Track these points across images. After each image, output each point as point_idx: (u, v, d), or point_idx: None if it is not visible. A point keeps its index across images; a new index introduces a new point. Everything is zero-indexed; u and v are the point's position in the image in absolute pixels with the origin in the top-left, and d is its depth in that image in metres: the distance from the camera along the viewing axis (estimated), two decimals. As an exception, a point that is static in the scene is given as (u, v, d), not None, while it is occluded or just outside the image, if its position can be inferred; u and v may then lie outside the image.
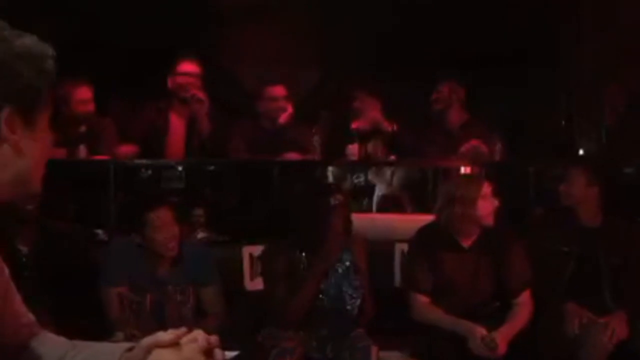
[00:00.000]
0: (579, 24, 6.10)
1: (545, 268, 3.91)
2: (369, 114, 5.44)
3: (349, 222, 3.68)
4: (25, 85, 1.27)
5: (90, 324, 3.19)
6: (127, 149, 5.10)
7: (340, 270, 3.70)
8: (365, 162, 5.29)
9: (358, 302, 3.67)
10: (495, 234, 3.84)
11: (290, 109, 5.42)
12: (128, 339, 2.36)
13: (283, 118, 5.38)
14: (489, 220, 3.79)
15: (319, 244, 3.62)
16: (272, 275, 3.68)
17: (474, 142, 5.12)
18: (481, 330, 3.60)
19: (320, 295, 3.65)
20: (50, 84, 1.32)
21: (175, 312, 2.57)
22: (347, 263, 3.71)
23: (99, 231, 4.58)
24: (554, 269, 3.94)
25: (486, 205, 3.78)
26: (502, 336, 3.60)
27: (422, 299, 3.80)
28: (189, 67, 5.24)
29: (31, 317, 1.54)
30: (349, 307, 3.66)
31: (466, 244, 3.84)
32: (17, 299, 1.50)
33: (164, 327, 1.55)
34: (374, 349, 3.60)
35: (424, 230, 3.95)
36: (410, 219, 4.65)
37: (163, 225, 3.54)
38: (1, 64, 1.24)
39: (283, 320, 3.61)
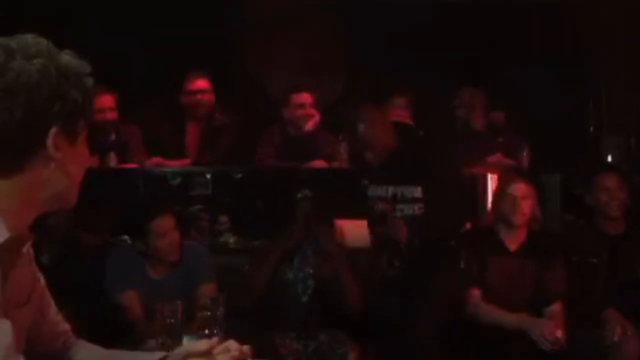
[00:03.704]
0: (611, 32, 6.06)
1: (577, 279, 3.89)
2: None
3: (317, 216, 4.00)
4: (71, 104, 1.28)
5: (117, 335, 3.25)
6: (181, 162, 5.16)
7: (301, 260, 3.97)
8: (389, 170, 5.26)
9: (310, 290, 3.92)
10: (541, 240, 3.86)
11: (317, 116, 5.43)
12: (160, 347, 2.39)
13: (310, 125, 5.39)
14: (529, 222, 3.81)
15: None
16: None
17: (498, 156, 5.09)
18: (546, 324, 3.60)
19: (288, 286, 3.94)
20: (91, 101, 1.33)
21: (204, 319, 2.61)
22: (307, 251, 3.98)
23: (126, 237, 4.62)
24: (586, 280, 3.92)
25: (524, 206, 3.79)
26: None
27: (477, 294, 3.78)
28: (198, 83, 5.31)
29: (66, 325, 1.57)
30: (300, 292, 3.92)
31: (512, 247, 3.85)
32: (53, 307, 1.53)
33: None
34: (352, 355, 3.68)
35: (475, 232, 4.01)
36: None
37: (165, 232, 3.67)
38: (50, 85, 1.25)
39: (245, 300, 3.79)
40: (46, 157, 1.28)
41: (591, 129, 6.28)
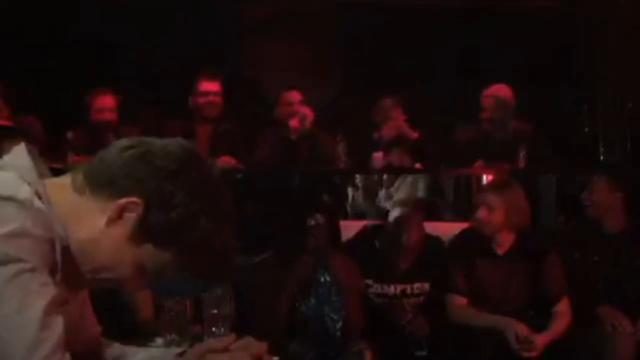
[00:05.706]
0: (605, 35, 6.10)
1: (578, 278, 3.91)
2: (392, 122, 5.46)
3: (329, 240, 3.82)
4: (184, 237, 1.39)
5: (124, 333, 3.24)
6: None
7: (320, 291, 3.79)
8: (390, 171, 5.28)
9: (340, 324, 3.76)
10: (531, 242, 3.86)
11: (310, 114, 5.38)
12: (168, 344, 2.40)
13: (305, 123, 5.37)
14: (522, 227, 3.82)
15: (295, 261, 3.80)
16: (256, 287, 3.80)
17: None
18: (521, 328, 3.60)
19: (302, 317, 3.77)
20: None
21: (213, 317, 2.61)
22: (323, 281, 3.78)
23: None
24: (586, 279, 3.95)
25: (487, 217, 3.79)
26: (541, 339, 3.61)
27: (459, 301, 3.82)
28: (209, 85, 5.30)
29: (99, 327, 1.59)
30: (331, 331, 3.75)
31: (500, 251, 3.85)
32: (91, 310, 1.56)
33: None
34: (368, 353, 3.66)
35: (462, 235, 4.00)
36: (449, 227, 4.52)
37: None
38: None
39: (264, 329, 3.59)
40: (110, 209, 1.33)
41: (586, 130, 6.31)
